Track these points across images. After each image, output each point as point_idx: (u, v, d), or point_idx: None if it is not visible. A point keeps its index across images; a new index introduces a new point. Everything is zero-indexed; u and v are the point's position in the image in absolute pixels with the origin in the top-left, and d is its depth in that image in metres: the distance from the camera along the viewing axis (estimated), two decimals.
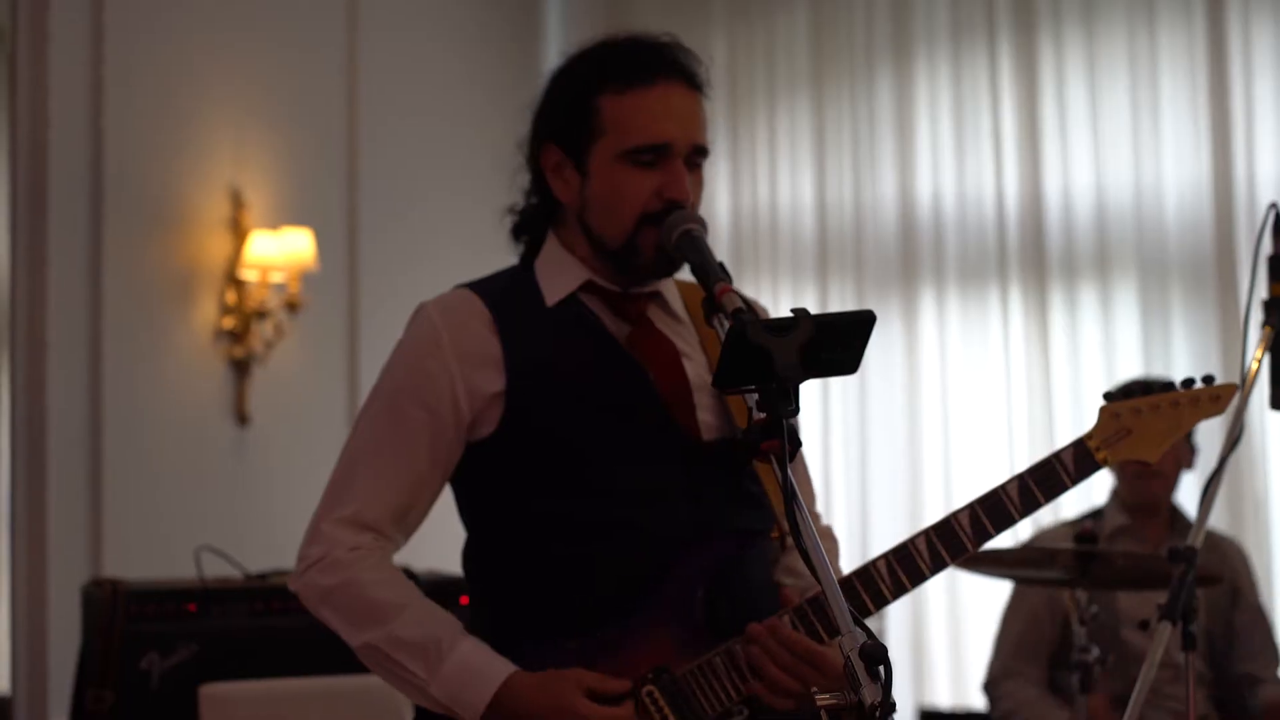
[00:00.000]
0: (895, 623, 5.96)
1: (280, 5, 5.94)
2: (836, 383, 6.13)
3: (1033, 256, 6.09)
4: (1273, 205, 2.79)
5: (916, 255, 6.30)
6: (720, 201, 6.68)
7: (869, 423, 6.30)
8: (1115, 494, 4.42)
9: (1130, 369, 5.63)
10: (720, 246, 6.53)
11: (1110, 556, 3.49)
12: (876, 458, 6.27)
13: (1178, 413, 2.31)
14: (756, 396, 1.87)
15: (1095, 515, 4.43)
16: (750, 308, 2.04)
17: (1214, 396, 2.33)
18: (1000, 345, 6.11)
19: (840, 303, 6.37)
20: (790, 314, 1.88)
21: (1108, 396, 2.34)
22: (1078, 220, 6.05)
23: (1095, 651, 3.40)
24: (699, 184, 2.28)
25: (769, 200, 6.66)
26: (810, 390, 6.07)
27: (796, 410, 1.85)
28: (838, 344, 1.88)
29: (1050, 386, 5.98)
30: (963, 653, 6.01)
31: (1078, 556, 3.44)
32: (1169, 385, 2.36)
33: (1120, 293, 5.97)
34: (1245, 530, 5.46)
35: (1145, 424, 2.30)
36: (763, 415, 1.85)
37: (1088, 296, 6.00)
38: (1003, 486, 2.30)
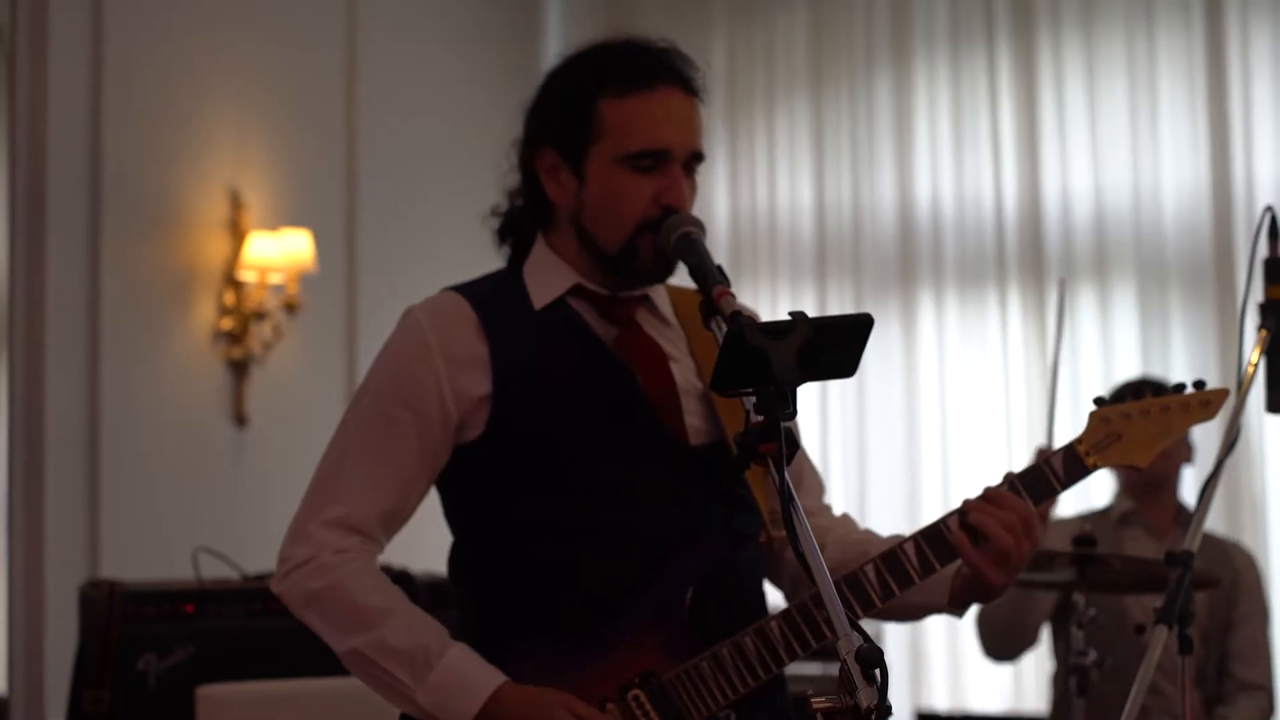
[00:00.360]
0: (892, 626, 5.97)
1: (280, 6, 5.94)
2: (835, 385, 6.14)
3: (1031, 259, 6.10)
4: (1269, 209, 2.79)
5: (915, 257, 6.31)
6: (719, 203, 6.69)
7: (867, 425, 6.31)
8: (1124, 490, 4.44)
9: (1128, 371, 5.64)
10: (719, 248, 6.53)
11: (1108, 559, 3.49)
12: (875, 460, 6.28)
13: (1168, 418, 2.31)
14: (754, 399, 1.87)
15: (1102, 513, 4.44)
16: (750, 311, 2.05)
17: (1204, 401, 2.33)
18: (999, 347, 6.13)
19: (839, 305, 6.38)
20: (788, 317, 1.88)
21: (1098, 401, 2.34)
22: (1076, 222, 6.06)
23: (1093, 654, 3.40)
24: (693, 190, 2.29)
25: (768, 202, 6.66)
26: (809, 392, 6.07)
27: (794, 413, 1.84)
28: (835, 347, 1.88)
29: (1043, 389, 5.98)
30: (960, 656, 6.01)
31: (1075, 560, 3.44)
32: (1163, 387, 2.35)
33: (1118, 295, 5.98)
34: (1243, 533, 5.46)
35: (1135, 429, 2.30)
36: (760, 418, 1.85)
37: (1086, 299, 6.01)
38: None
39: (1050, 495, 2.29)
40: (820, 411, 6.37)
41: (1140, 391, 2.35)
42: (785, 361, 1.83)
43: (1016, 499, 2.24)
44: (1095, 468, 2.31)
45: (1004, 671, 5.87)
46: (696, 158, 2.27)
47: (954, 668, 6.04)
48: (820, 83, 6.59)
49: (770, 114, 6.69)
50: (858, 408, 6.33)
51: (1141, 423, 2.30)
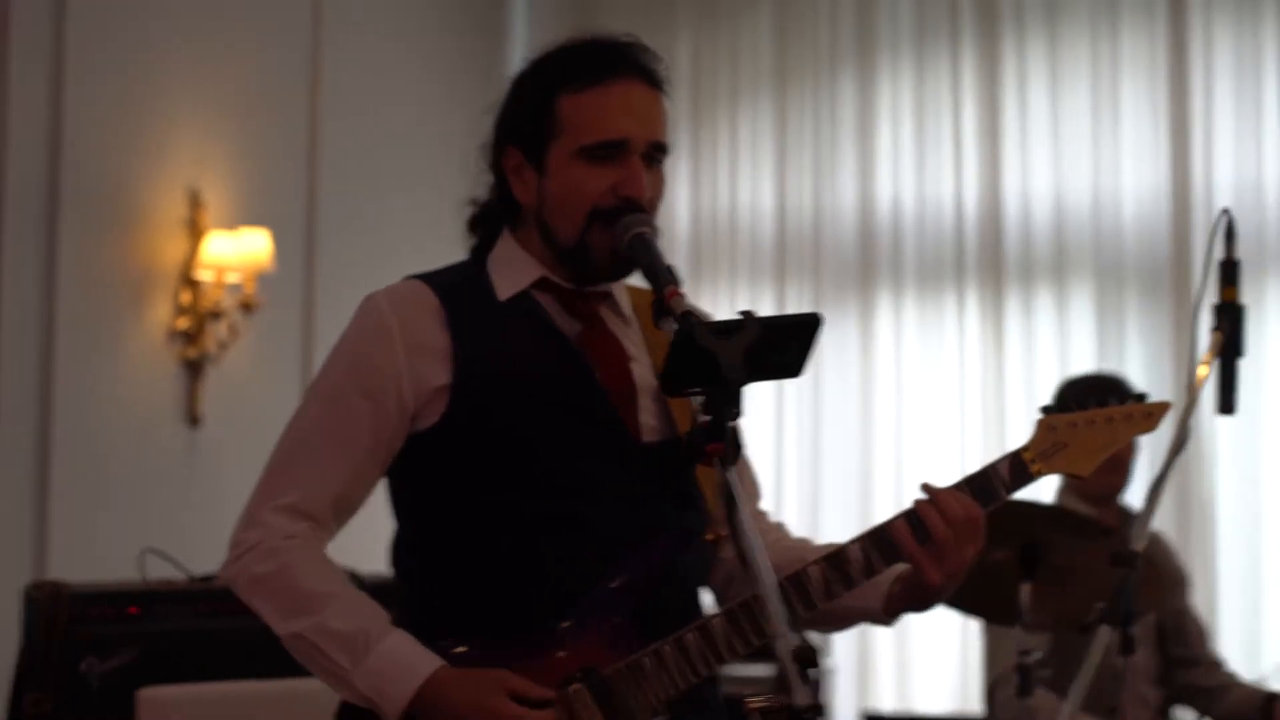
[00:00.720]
0: None
1: (243, 5, 5.91)
2: (792, 386, 6.14)
3: (990, 260, 6.14)
4: (1225, 211, 2.82)
5: (875, 258, 6.34)
6: (680, 203, 6.69)
7: (823, 424, 6.32)
8: (1070, 487, 4.44)
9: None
10: (680, 248, 6.56)
11: (1050, 554, 3.49)
12: (830, 459, 6.30)
13: (1112, 428, 2.33)
14: (702, 399, 1.88)
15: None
16: (700, 311, 2.05)
17: (1146, 414, 2.36)
18: (956, 348, 6.15)
19: (798, 306, 6.39)
20: (738, 316, 1.88)
21: (1046, 410, 2.36)
22: (1036, 224, 6.10)
23: (1036, 654, 3.41)
24: (659, 181, 2.28)
25: (729, 203, 6.68)
26: (765, 391, 6.08)
27: (741, 413, 1.86)
28: (783, 347, 1.89)
29: (1004, 390, 6.01)
30: (908, 658, 6.03)
31: (1018, 554, 3.44)
32: (1105, 382, 2.36)
33: (1076, 297, 6.03)
34: (1191, 532, 5.50)
35: (1080, 438, 2.32)
36: (707, 418, 1.86)
37: (1044, 300, 6.05)
38: None
39: (996, 500, 2.30)
40: (776, 410, 6.37)
41: (1085, 401, 2.37)
42: (733, 361, 1.84)
43: (961, 496, 2.25)
44: (1040, 475, 2.33)
45: (950, 672, 5.90)
46: (659, 149, 2.26)
47: (901, 669, 6.05)
48: (784, 84, 6.61)
49: (734, 115, 6.71)
50: (814, 409, 6.33)
51: (1086, 432, 2.33)
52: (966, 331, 6.14)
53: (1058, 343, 6.00)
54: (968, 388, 6.09)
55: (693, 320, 1.92)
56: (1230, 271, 2.78)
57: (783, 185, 6.56)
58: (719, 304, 6.43)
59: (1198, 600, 4.58)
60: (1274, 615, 5.68)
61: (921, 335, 6.24)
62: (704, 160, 6.73)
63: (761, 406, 6.18)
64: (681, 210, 6.69)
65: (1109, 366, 5.78)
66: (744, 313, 1.88)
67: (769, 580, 1.74)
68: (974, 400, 6.07)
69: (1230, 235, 2.83)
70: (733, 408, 1.84)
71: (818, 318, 1.89)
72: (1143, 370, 5.77)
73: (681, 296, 2.05)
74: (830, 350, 6.14)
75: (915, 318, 6.26)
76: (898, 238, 6.31)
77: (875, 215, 6.36)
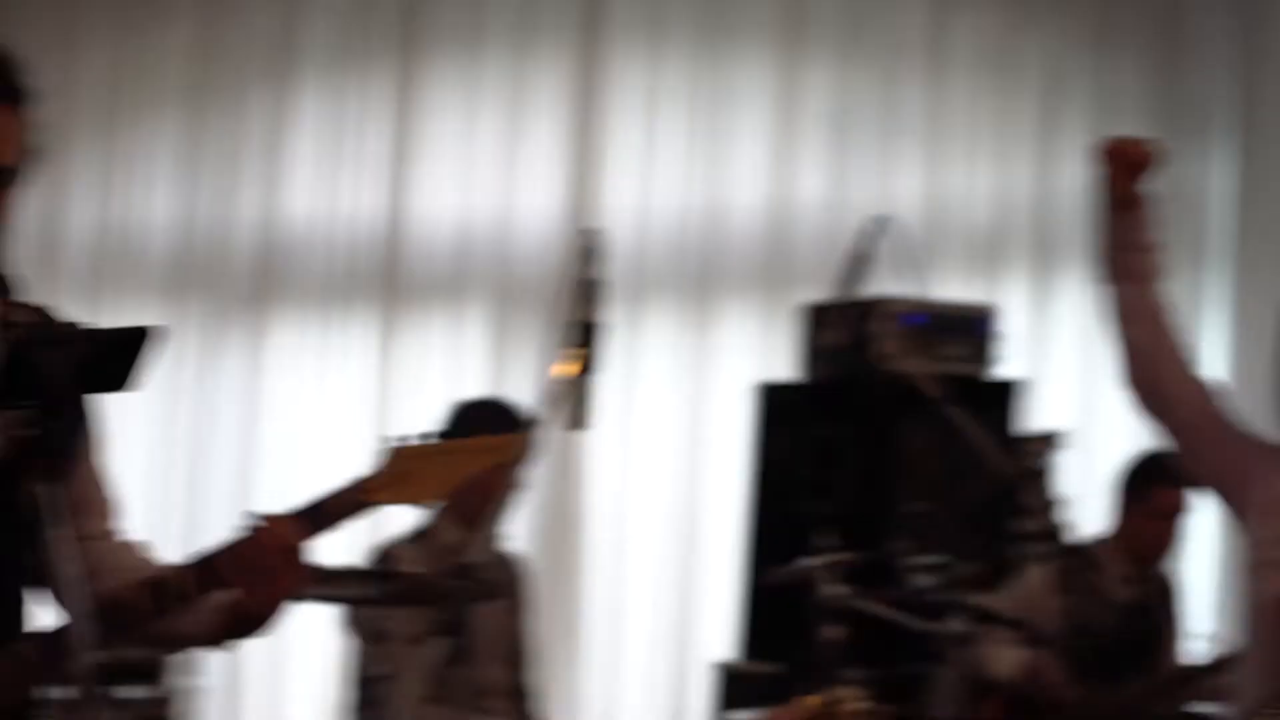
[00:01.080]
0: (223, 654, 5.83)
1: None
2: (183, 399, 6.08)
3: (388, 280, 6.22)
4: (584, 232, 2.94)
5: (274, 276, 6.31)
6: (86, 216, 6.44)
7: (212, 444, 6.22)
8: (444, 511, 4.50)
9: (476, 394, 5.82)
10: (79, 263, 6.33)
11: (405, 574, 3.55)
12: (217, 478, 6.20)
13: (456, 460, 2.38)
14: (30, 413, 1.85)
15: (424, 537, 4.49)
16: (42, 323, 1.99)
17: (498, 446, 2.47)
18: (351, 369, 6.20)
19: (198, 322, 6.26)
20: (68, 328, 1.90)
21: (393, 439, 2.39)
22: (435, 246, 6.24)
23: (379, 667, 3.44)
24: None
25: (132, 217, 6.49)
26: (154, 405, 5.91)
27: (73, 428, 1.88)
28: (113, 360, 1.87)
29: (394, 412, 6.06)
30: (281, 676, 6.00)
31: (374, 575, 3.48)
32: (489, 407, 2.43)
33: (471, 318, 6.18)
34: (559, 549, 5.71)
35: (427, 468, 2.36)
36: (36, 432, 1.84)
37: (439, 321, 6.19)
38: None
39: (330, 527, 2.31)
40: (166, 427, 6.20)
41: (469, 426, 2.43)
42: (61, 374, 1.82)
43: (289, 523, 2.24)
44: (380, 503, 2.35)
45: (325, 689, 5.83)
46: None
47: (273, 687, 6.02)
48: (198, 98, 6.49)
49: (145, 127, 6.53)
50: (204, 426, 6.22)
51: (435, 463, 2.37)
52: (362, 352, 6.19)
53: (452, 366, 6.14)
54: (360, 409, 6.13)
55: (22, 333, 1.90)
56: (586, 290, 2.88)
57: (191, 200, 6.44)
58: (122, 319, 6.19)
59: (562, 618, 4.68)
60: (636, 638, 5.99)
61: (319, 355, 6.24)
62: (114, 172, 6.51)
63: (152, 421, 6.05)
64: (85, 223, 6.45)
65: (503, 388, 5.94)
66: (72, 324, 1.86)
67: (79, 603, 1.72)
68: (366, 422, 6.10)
69: (591, 256, 2.94)
70: (60, 422, 1.82)
71: (147, 331, 1.89)
72: (534, 390, 5.96)
73: (17, 307, 1.99)
74: (225, 368, 6.12)
75: (316, 337, 6.26)
76: (298, 256, 6.30)
77: (278, 233, 6.33)
